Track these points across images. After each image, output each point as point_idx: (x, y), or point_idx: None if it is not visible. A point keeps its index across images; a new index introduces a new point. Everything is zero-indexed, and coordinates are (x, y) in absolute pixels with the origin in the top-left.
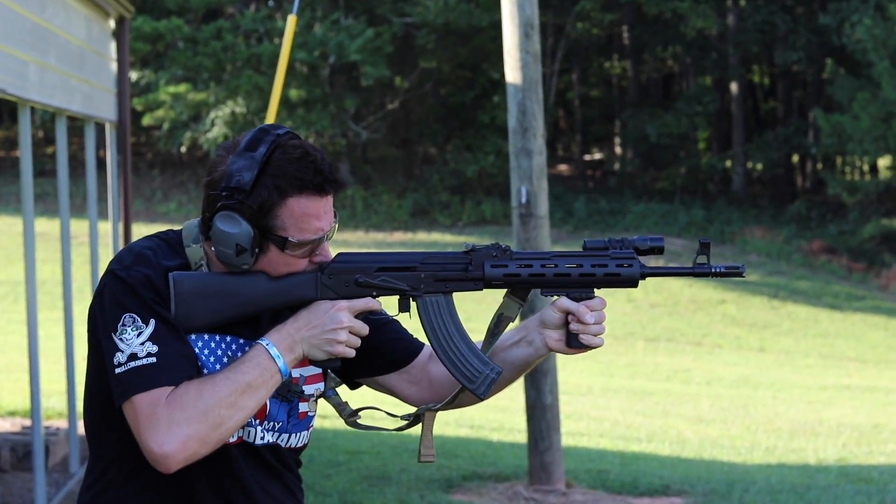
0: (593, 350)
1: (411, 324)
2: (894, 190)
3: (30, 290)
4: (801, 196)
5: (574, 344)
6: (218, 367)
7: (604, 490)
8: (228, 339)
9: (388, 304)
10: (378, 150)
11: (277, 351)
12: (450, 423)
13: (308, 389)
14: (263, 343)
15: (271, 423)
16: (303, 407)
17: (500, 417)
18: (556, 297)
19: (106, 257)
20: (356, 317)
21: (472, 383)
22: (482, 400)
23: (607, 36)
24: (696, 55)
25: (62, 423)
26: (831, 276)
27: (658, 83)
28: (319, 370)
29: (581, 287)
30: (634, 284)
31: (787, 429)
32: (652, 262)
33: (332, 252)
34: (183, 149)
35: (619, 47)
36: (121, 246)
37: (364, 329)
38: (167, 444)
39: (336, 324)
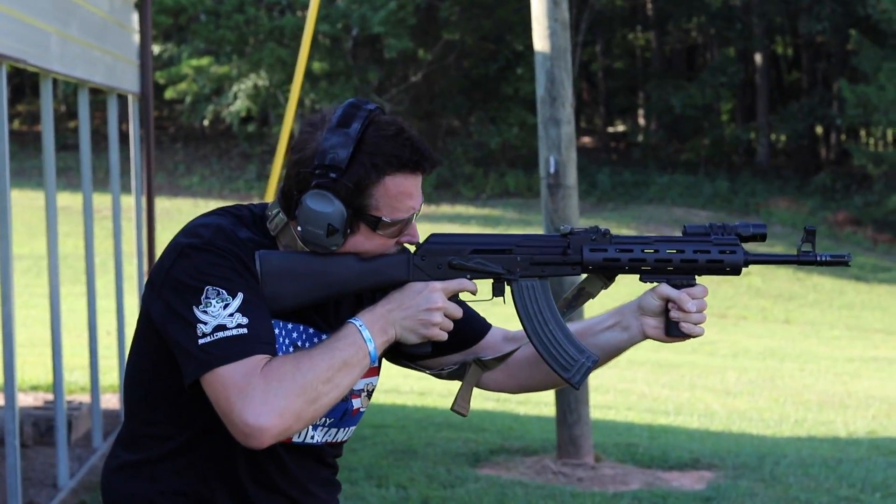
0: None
1: (504, 309)
2: None
3: (52, 264)
4: (825, 167)
5: (673, 332)
6: None
7: (633, 464)
8: (301, 327)
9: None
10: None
11: (370, 333)
12: (476, 397)
13: (359, 384)
14: (356, 323)
15: (323, 420)
16: (356, 403)
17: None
18: (655, 284)
19: (129, 231)
20: (450, 299)
21: (567, 371)
22: (575, 388)
23: (631, 7)
24: (721, 26)
25: (85, 398)
26: (856, 248)
27: (682, 54)
28: (376, 363)
29: (682, 273)
30: (737, 272)
31: (815, 401)
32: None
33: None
34: (206, 122)
35: (643, 18)
36: (144, 220)
37: (458, 311)
38: (263, 416)
39: (431, 304)
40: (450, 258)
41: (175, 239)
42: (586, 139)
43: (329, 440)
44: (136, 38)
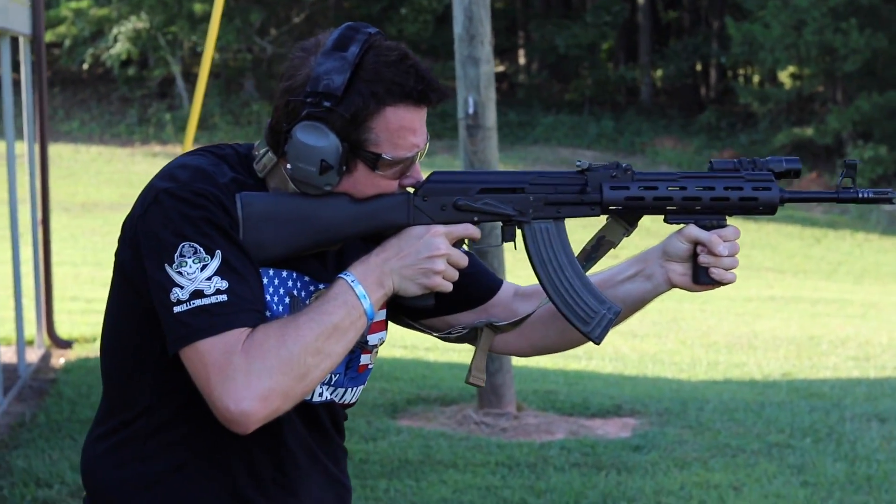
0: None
1: (516, 254)
2: (805, 98)
3: None
4: (709, 106)
5: (703, 279)
6: (280, 307)
7: (555, 412)
8: (295, 275)
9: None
10: (284, 64)
11: (363, 289)
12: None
13: (371, 339)
14: (347, 279)
15: (328, 377)
16: (364, 359)
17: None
18: (682, 225)
19: (22, 179)
20: (453, 245)
21: (587, 325)
22: (596, 344)
23: None
24: None
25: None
26: None
27: None
28: (383, 316)
29: (713, 214)
30: (773, 211)
31: (723, 343)
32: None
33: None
34: (85, 66)
35: None
36: (38, 167)
37: (463, 260)
38: (246, 401)
39: (433, 251)
40: (456, 198)
41: (150, 182)
42: None
43: (338, 400)
44: None
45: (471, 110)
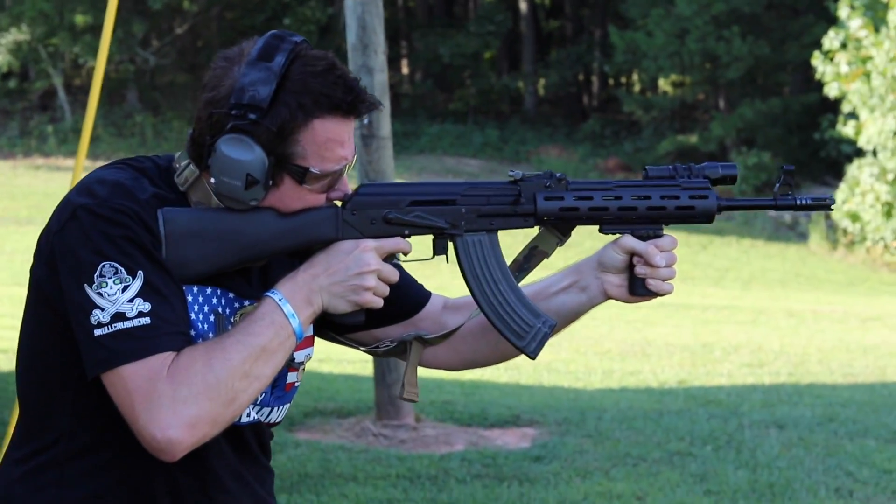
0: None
1: (449, 268)
2: (688, 106)
3: None
4: (592, 114)
5: (639, 291)
6: (205, 325)
7: (453, 423)
8: (219, 291)
9: (418, 245)
10: (167, 76)
11: (292, 308)
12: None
13: (298, 356)
14: (275, 297)
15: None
16: (291, 377)
17: (324, 347)
18: (617, 235)
19: None
20: (384, 260)
21: (522, 339)
22: (531, 358)
23: None
24: None
25: None
26: None
27: (443, 3)
28: (310, 332)
29: (649, 223)
30: (710, 219)
31: (617, 351)
32: None
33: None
34: None
35: None
36: None
37: (394, 275)
38: (172, 429)
39: (363, 266)
40: (385, 211)
41: (66, 196)
42: None
43: (264, 419)
44: None
45: (365, 120)
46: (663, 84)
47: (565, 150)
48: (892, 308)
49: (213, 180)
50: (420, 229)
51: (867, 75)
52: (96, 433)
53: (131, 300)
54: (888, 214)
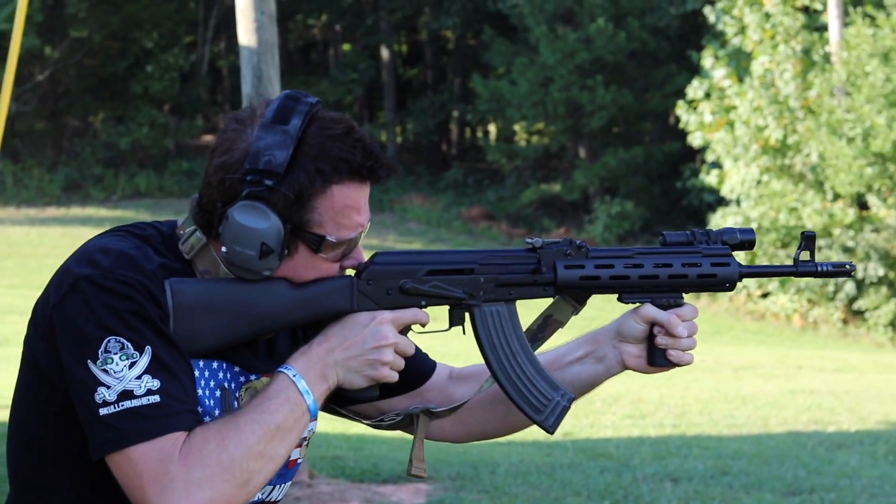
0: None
1: (464, 340)
2: (552, 154)
3: None
4: (455, 162)
5: (659, 362)
6: (211, 401)
7: (345, 479)
8: (225, 365)
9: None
10: (27, 122)
11: (306, 384)
12: None
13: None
14: (289, 373)
15: None
16: (294, 453)
17: None
18: (636, 305)
19: None
20: (400, 332)
21: (540, 413)
22: (550, 433)
23: None
24: (351, 21)
25: None
26: (492, 243)
27: (301, 50)
28: None
29: (670, 291)
30: (732, 287)
31: None
32: None
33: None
34: None
35: None
36: None
37: (410, 348)
38: None
39: (380, 340)
40: (402, 281)
41: (65, 265)
42: (209, 137)
43: (265, 498)
44: None
45: None
46: (520, 131)
47: (428, 198)
48: (759, 357)
49: (224, 249)
50: (438, 300)
51: (731, 125)
52: None
53: (139, 377)
54: (751, 262)
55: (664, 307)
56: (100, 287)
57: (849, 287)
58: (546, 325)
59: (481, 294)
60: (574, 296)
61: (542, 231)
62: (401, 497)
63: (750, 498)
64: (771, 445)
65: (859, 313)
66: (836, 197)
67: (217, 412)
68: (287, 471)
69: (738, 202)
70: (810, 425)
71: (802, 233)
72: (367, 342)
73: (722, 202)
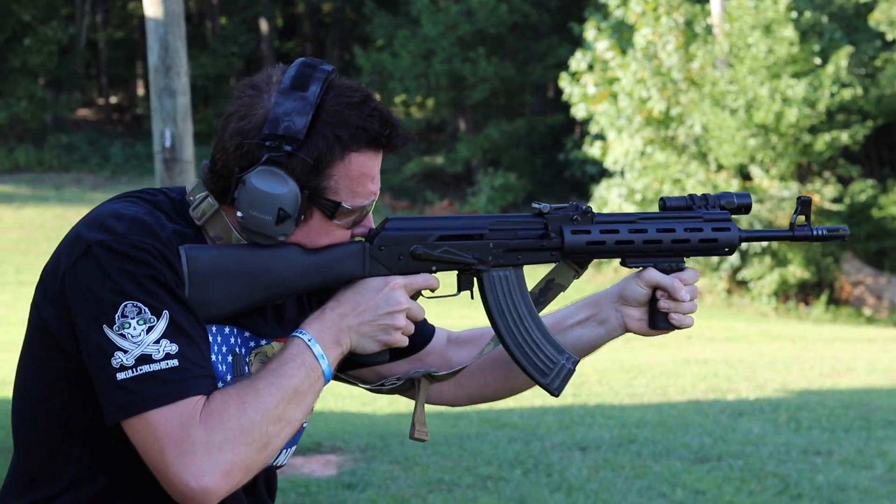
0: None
1: (472, 305)
2: (434, 127)
3: None
4: None
5: (661, 325)
6: (223, 367)
7: None
8: (236, 331)
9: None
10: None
11: (321, 349)
12: None
13: None
14: (304, 337)
15: None
16: None
17: None
18: (638, 269)
19: None
20: (411, 297)
21: (546, 377)
22: (555, 396)
23: None
24: None
25: None
26: (377, 215)
27: None
28: None
29: (672, 256)
30: (732, 251)
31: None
32: None
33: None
34: None
35: None
36: None
37: (421, 313)
38: (208, 476)
39: (393, 305)
40: (413, 247)
41: (75, 230)
42: (85, 111)
43: (272, 463)
44: None
45: (168, 143)
46: (399, 104)
47: None
48: None
49: (240, 214)
50: (448, 265)
51: (614, 97)
52: (106, 484)
53: (157, 341)
54: None
55: (666, 271)
56: (114, 252)
57: (733, 257)
58: (548, 289)
59: (490, 259)
60: (577, 260)
61: (426, 204)
62: (312, 469)
63: (659, 465)
64: (673, 414)
65: (743, 283)
66: (720, 168)
67: (229, 377)
68: (296, 435)
69: (622, 174)
70: (709, 394)
71: (799, 198)
72: (379, 307)
73: (605, 174)
